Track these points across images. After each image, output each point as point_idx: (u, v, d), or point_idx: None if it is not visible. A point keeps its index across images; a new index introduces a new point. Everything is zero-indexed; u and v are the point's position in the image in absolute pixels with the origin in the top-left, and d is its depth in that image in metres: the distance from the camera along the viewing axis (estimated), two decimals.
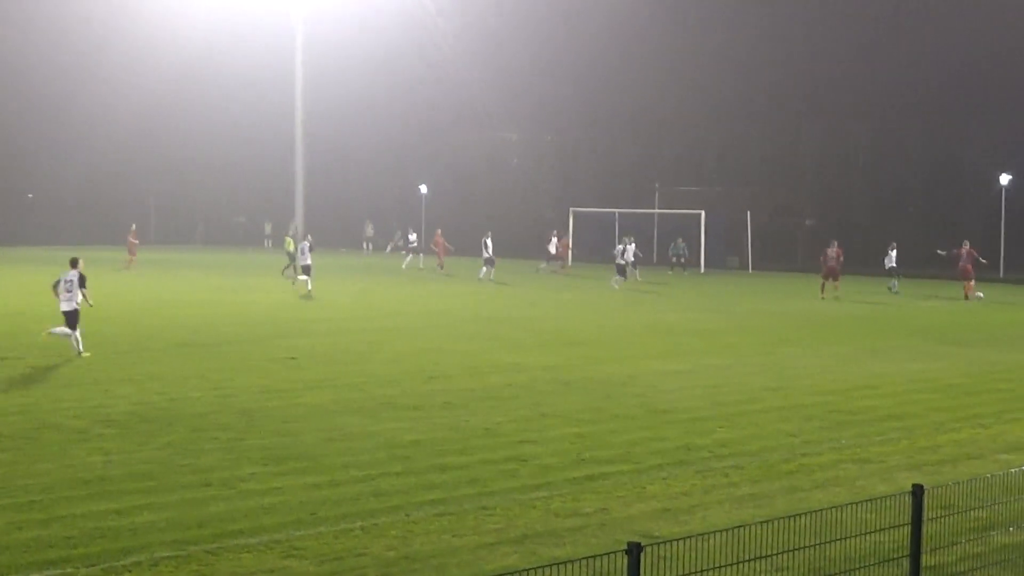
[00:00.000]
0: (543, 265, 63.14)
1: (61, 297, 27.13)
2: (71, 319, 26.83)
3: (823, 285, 48.52)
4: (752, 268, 67.33)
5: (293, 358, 26.44)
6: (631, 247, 54.18)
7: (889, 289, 51.33)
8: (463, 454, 17.04)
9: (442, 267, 61.85)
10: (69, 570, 11.71)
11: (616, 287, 51.07)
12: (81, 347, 26.48)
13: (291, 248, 56.00)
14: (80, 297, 27.15)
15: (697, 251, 68.40)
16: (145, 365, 24.90)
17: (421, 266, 64.24)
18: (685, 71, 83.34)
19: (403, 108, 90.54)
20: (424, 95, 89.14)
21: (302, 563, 12.08)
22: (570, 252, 66.51)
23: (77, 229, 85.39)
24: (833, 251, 48.78)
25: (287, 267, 54.50)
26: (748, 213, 69.50)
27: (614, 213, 72.41)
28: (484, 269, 55.29)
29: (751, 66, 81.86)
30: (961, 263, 49.52)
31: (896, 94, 76.58)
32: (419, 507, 14.15)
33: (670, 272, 64.64)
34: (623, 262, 52.95)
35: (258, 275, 55.48)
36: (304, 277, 46.51)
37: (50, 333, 26.99)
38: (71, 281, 27.27)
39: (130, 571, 11.77)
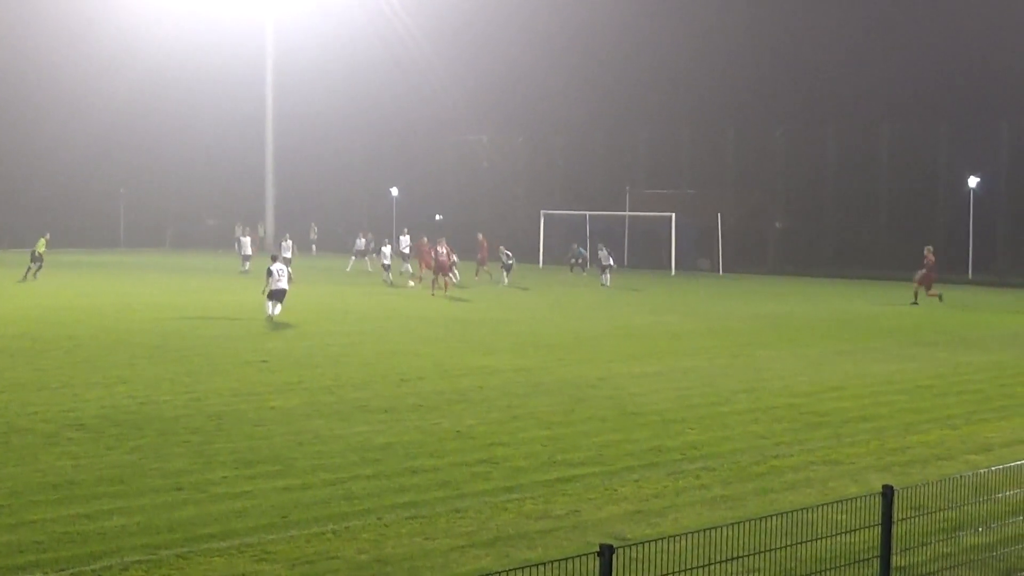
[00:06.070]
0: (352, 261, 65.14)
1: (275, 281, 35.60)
2: (280, 296, 35.67)
3: (441, 282, 47.92)
4: (723, 271, 67.49)
5: (264, 361, 26.36)
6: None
7: (602, 284, 53.96)
8: (435, 457, 17.03)
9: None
10: (39, 575, 11.65)
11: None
12: (275, 313, 35.38)
13: (42, 250, 52.34)
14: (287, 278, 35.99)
15: (668, 254, 68.63)
16: (114, 369, 24.76)
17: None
18: (656, 74, 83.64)
19: (374, 111, 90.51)
20: (394, 98, 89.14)
21: (273, 567, 12.05)
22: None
23: (46, 232, 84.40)
24: (443, 248, 48.74)
25: (28, 271, 51.27)
26: (719, 215, 69.69)
27: (585, 215, 72.48)
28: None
29: (722, 69, 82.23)
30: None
31: (866, 97, 77.06)
32: (391, 510, 14.14)
33: (570, 273, 64.08)
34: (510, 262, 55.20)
35: (228, 278, 55.22)
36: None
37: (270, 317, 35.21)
38: (281, 269, 35.98)
39: (100, 575, 11.72)
